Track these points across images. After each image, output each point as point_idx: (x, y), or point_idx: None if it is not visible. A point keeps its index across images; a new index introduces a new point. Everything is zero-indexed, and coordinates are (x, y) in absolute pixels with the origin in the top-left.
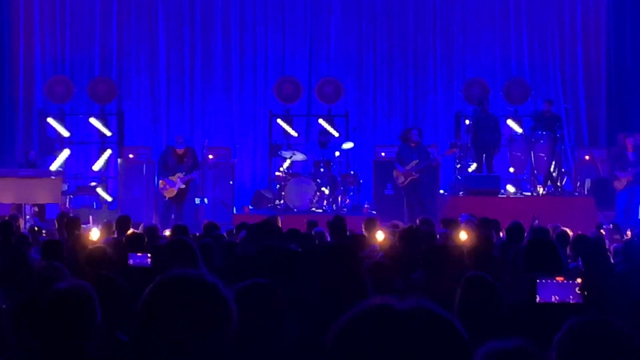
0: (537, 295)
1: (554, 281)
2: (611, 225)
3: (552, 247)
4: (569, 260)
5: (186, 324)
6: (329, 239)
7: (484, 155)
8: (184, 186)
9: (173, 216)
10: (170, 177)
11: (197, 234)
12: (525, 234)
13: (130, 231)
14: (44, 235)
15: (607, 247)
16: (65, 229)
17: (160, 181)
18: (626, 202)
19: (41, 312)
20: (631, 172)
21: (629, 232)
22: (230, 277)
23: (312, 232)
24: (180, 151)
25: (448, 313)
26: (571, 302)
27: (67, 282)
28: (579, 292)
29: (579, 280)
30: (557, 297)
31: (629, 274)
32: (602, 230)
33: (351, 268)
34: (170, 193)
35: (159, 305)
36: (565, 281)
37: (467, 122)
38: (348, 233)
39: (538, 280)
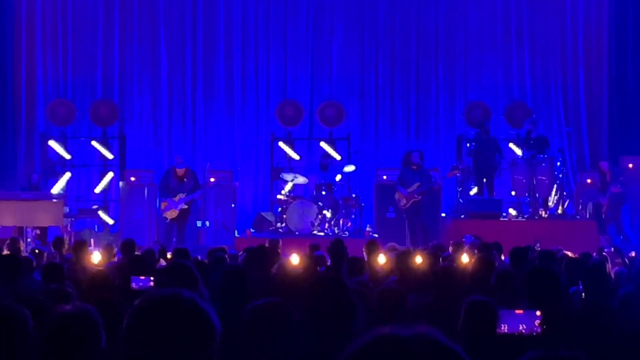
0: (498, 325)
1: (513, 312)
2: (612, 249)
3: (554, 277)
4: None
5: (169, 343)
6: (329, 262)
7: (485, 178)
8: (186, 207)
9: (175, 239)
10: (172, 198)
11: (199, 257)
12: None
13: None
14: (45, 259)
15: (608, 270)
16: (73, 252)
17: (162, 202)
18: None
19: (47, 335)
20: (607, 196)
21: (632, 253)
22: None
23: (313, 255)
24: (180, 171)
25: (452, 342)
26: (529, 333)
27: (73, 305)
28: (538, 324)
29: (538, 312)
30: (521, 328)
31: (633, 297)
32: (604, 253)
33: (336, 298)
34: (172, 214)
35: (139, 328)
36: (525, 312)
37: (467, 145)
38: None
39: (500, 311)
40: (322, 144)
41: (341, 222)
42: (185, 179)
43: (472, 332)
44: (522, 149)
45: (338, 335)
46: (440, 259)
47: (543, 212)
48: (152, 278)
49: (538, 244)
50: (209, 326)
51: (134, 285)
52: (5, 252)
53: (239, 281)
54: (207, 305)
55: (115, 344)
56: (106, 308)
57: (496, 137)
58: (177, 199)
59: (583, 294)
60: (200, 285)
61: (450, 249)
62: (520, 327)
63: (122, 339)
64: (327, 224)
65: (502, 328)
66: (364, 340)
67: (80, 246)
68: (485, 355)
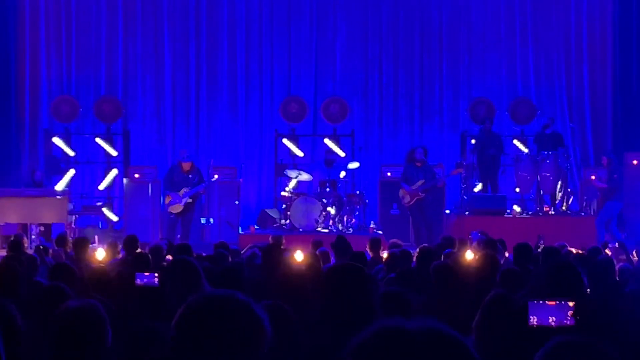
0: (529, 318)
1: (545, 304)
2: (617, 244)
3: (575, 272)
4: None
5: (221, 345)
6: (333, 259)
7: (488, 175)
8: (190, 200)
9: (179, 235)
10: (176, 192)
11: (203, 254)
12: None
13: (137, 251)
14: (50, 255)
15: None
16: (74, 249)
17: (167, 196)
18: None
19: (55, 330)
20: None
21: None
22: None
23: (317, 252)
24: (186, 165)
25: (459, 334)
26: (564, 325)
27: (79, 301)
28: (571, 315)
29: (571, 303)
30: (551, 320)
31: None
32: (607, 250)
33: (359, 289)
34: (177, 208)
35: (192, 328)
36: (557, 304)
37: (472, 141)
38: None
39: (531, 303)
40: (326, 141)
41: (345, 218)
42: (190, 174)
43: (492, 327)
44: (535, 144)
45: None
46: (442, 256)
47: (548, 209)
48: (156, 274)
49: (542, 241)
50: (260, 331)
51: (138, 281)
52: (7, 254)
53: (234, 281)
54: (260, 309)
55: (115, 341)
56: (105, 305)
57: (500, 134)
58: (181, 193)
59: (588, 290)
60: (203, 282)
61: (457, 246)
62: (551, 320)
63: (171, 338)
64: (331, 221)
65: (532, 320)
66: (369, 332)
67: (81, 243)
68: (508, 350)
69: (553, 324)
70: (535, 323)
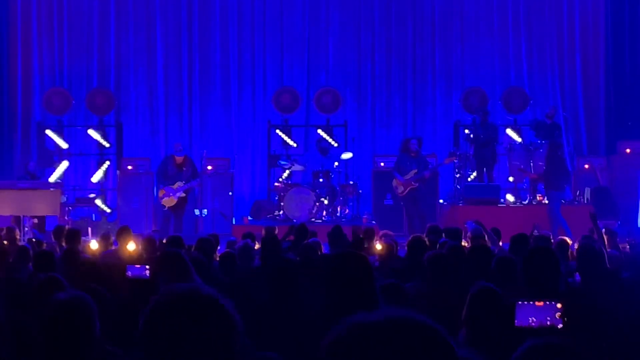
0: (516, 319)
1: (532, 304)
2: (604, 230)
3: (552, 256)
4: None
5: (189, 341)
6: (324, 249)
7: (485, 166)
8: (184, 195)
9: (172, 227)
10: (170, 186)
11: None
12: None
13: (129, 243)
14: (44, 248)
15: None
16: (65, 241)
17: (160, 190)
18: None
19: (44, 322)
20: None
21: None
22: (228, 289)
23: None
24: (179, 159)
25: (430, 320)
26: (550, 326)
27: (68, 293)
28: (559, 316)
29: (559, 305)
30: (535, 320)
31: (636, 282)
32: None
33: (361, 277)
34: (170, 202)
35: (158, 325)
36: (545, 304)
37: (466, 131)
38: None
39: (517, 304)
40: (319, 132)
41: (339, 209)
42: (184, 167)
43: (478, 320)
44: (534, 131)
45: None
46: (438, 245)
47: (542, 198)
48: (147, 267)
49: (537, 230)
50: (228, 321)
51: (129, 273)
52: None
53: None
54: (227, 302)
55: (104, 331)
56: (96, 297)
57: (495, 124)
58: (175, 187)
59: (578, 279)
60: (193, 275)
61: (444, 234)
62: (540, 320)
63: (138, 337)
64: (324, 212)
65: (521, 321)
66: (336, 333)
67: (73, 234)
68: (494, 344)
69: (534, 324)
70: (524, 324)
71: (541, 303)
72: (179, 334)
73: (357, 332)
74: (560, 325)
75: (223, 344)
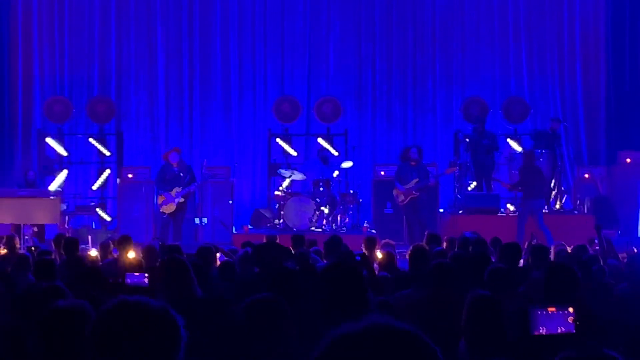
0: (531, 327)
1: (547, 312)
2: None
3: (573, 274)
4: None
5: (136, 351)
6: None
7: (483, 175)
8: (182, 200)
9: (171, 234)
10: (169, 192)
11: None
12: (523, 254)
13: (129, 251)
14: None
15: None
16: (64, 249)
17: (159, 196)
18: None
19: (43, 331)
20: None
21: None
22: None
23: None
24: (176, 164)
25: (408, 326)
26: (564, 332)
27: (67, 301)
28: (571, 321)
29: (571, 309)
30: (549, 329)
31: (632, 294)
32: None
33: (354, 286)
34: (170, 208)
35: (106, 335)
36: (557, 311)
37: (467, 139)
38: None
39: (532, 311)
40: (320, 140)
41: (339, 218)
42: (181, 173)
43: (477, 328)
44: (538, 143)
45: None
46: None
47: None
48: (146, 275)
49: (535, 239)
50: (174, 336)
51: (128, 281)
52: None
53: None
54: (175, 314)
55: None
56: (96, 305)
57: (494, 133)
58: (173, 192)
59: None
60: (194, 283)
61: (444, 244)
62: (555, 327)
63: (87, 346)
64: (324, 220)
65: (540, 330)
66: (322, 346)
67: (73, 243)
68: (493, 351)
69: (548, 331)
70: (542, 332)
71: (553, 309)
72: (126, 343)
73: (341, 343)
74: (573, 331)
75: (167, 355)
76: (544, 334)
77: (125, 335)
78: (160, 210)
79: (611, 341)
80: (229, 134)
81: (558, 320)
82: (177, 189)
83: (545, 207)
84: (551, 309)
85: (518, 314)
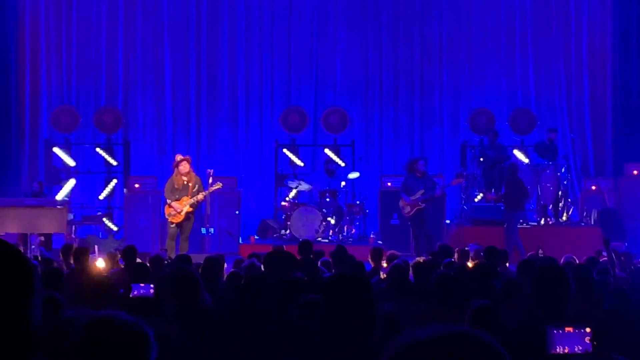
0: (549, 347)
1: (564, 331)
2: (612, 252)
3: (562, 275)
4: None
5: None
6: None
7: (493, 187)
8: (190, 209)
9: (177, 245)
10: (177, 202)
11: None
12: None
13: (135, 262)
14: (55, 266)
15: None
16: (73, 259)
17: (166, 207)
18: None
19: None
20: None
21: None
22: (236, 306)
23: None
24: (185, 174)
25: (483, 332)
26: (581, 352)
27: (76, 311)
28: (588, 341)
29: (588, 329)
30: (567, 348)
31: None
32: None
33: (361, 298)
34: (178, 218)
35: (80, 350)
36: (575, 331)
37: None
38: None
39: (549, 331)
40: (327, 151)
41: (345, 229)
42: (190, 182)
43: None
44: (541, 155)
45: (357, 345)
46: (442, 266)
47: (549, 219)
48: (152, 285)
49: (541, 250)
50: (145, 349)
51: (134, 292)
52: None
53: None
54: (147, 328)
55: None
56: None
57: (504, 144)
58: (182, 203)
59: None
60: (202, 292)
61: (456, 255)
62: (573, 347)
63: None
64: (331, 231)
65: (557, 349)
66: (387, 353)
67: (82, 253)
68: None
69: (566, 351)
70: (559, 351)
71: (571, 328)
72: (98, 357)
73: (411, 350)
74: (590, 350)
75: None
76: (561, 353)
77: (97, 352)
78: (168, 220)
79: (627, 350)
80: (236, 144)
81: (575, 339)
82: (185, 199)
83: (555, 219)
84: (568, 329)
85: (527, 332)
